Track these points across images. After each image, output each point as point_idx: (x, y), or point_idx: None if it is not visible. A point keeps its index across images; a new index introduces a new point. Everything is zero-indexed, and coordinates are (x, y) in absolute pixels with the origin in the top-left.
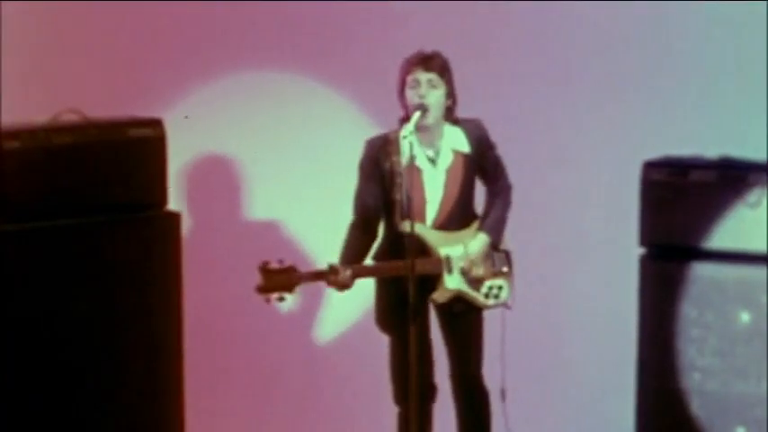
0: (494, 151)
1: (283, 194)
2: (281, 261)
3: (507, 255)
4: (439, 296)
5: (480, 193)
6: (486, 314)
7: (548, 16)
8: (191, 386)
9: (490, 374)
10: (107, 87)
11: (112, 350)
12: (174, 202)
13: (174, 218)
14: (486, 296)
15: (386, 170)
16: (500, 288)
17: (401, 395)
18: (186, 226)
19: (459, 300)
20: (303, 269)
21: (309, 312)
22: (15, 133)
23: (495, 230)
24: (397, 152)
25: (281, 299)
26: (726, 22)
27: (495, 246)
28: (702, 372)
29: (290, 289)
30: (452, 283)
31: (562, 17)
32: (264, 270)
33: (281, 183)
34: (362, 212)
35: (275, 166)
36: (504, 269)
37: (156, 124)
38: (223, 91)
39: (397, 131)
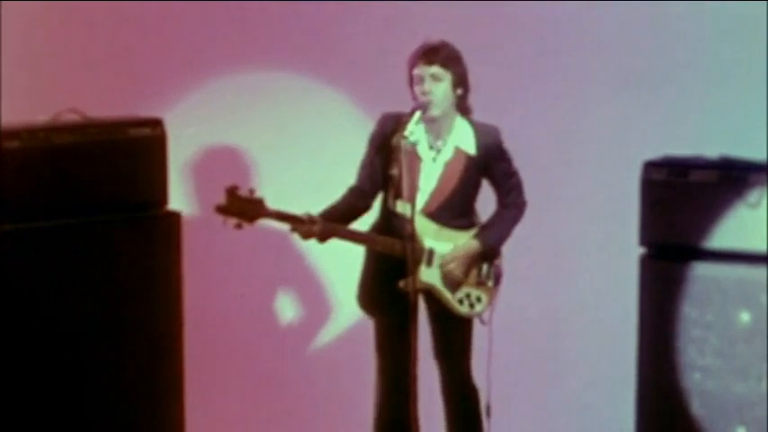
0: (506, 163)
1: (283, 193)
2: (251, 191)
3: (498, 270)
4: (408, 284)
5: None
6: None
7: (547, 16)
8: (191, 386)
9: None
10: (107, 87)
11: (112, 350)
12: (174, 202)
13: (174, 218)
14: (461, 302)
15: (391, 145)
16: (478, 299)
17: (382, 378)
18: (186, 225)
19: (432, 299)
20: (304, 267)
21: (309, 312)
22: (15, 133)
23: (491, 242)
24: (404, 131)
25: (239, 226)
26: (726, 22)
27: (488, 257)
28: (703, 371)
29: (250, 219)
30: (428, 276)
31: (562, 17)
32: (231, 193)
33: (281, 182)
34: (361, 180)
35: (275, 166)
36: (489, 283)
37: (156, 124)
38: (223, 91)
39: (411, 113)
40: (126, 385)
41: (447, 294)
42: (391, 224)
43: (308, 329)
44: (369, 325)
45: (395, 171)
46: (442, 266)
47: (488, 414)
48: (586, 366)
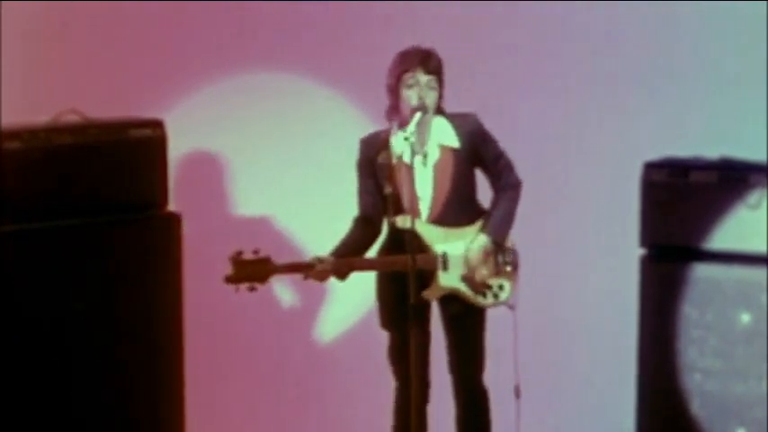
0: (492, 145)
1: (284, 194)
2: (256, 251)
3: (514, 253)
4: (430, 293)
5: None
6: (493, 313)
7: (548, 16)
8: (191, 386)
9: (497, 374)
10: (107, 87)
11: (112, 350)
12: (174, 203)
13: (175, 218)
14: (484, 295)
15: (378, 167)
16: (501, 287)
17: (400, 389)
18: (186, 226)
19: (455, 300)
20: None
21: (310, 312)
22: (16, 133)
23: (498, 230)
24: (387, 148)
25: (252, 289)
26: (726, 22)
27: (498, 244)
28: (703, 372)
29: (262, 280)
30: (447, 280)
31: (562, 17)
32: (236, 260)
33: (282, 183)
34: (363, 208)
35: (275, 167)
36: (508, 268)
37: (157, 125)
38: (223, 92)
39: (388, 129)
40: (126, 385)
41: (470, 293)
42: (398, 241)
43: (309, 328)
44: (370, 322)
45: (388, 190)
46: (468, 278)
47: (517, 395)
48: (586, 367)
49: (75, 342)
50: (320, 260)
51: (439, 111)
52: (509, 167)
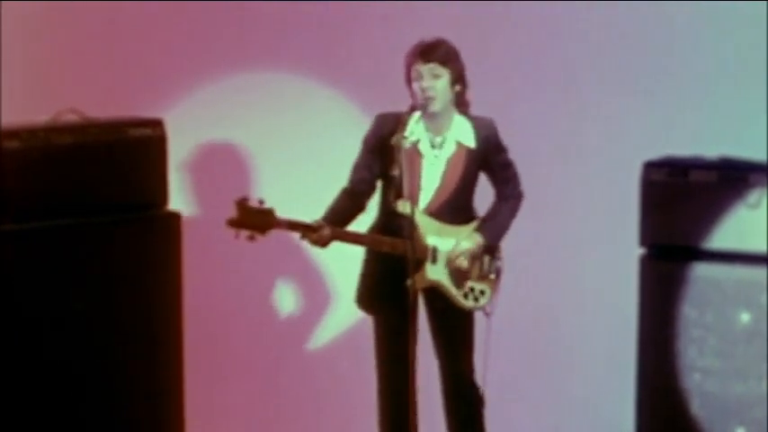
0: (503, 154)
1: (283, 194)
2: (261, 201)
3: (499, 263)
4: (416, 282)
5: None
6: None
7: (548, 16)
8: (191, 386)
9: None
10: (107, 87)
11: (112, 350)
12: (174, 202)
13: (175, 218)
14: (466, 296)
15: (389, 146)
16: (482, 292)
17: (382, 377)
18: (186, 226)
19: (438, 296)
20: (303, 267)
21: (310, 312)
22: (15, 133)
23: (493, 234)
24: (404, 131)
25: (252, 238)
26: (726, 22)
27: (489, 250)
28: (702, 372)
29: (262, 230)
30: (434, 273)
31: (562, 17)
32: (241, 205)
33: (282, 182)
34: (355, 182)
35: (275, 166)
36: (492, 276)
37: (157, 124)
38: (223, 91)
39: (408, 113)
40: (126, 385)
41: (453, 290)
42: (392, 224)
43: (307, 325)
44: (369, 322)
45: (396, 172)
46: (449, 262)
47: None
48: (586, 366)
49: (74, 342)
50: (320, 225)
51: (463, 106)
52: (516, 178)
